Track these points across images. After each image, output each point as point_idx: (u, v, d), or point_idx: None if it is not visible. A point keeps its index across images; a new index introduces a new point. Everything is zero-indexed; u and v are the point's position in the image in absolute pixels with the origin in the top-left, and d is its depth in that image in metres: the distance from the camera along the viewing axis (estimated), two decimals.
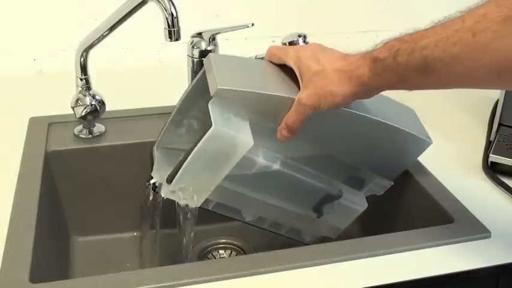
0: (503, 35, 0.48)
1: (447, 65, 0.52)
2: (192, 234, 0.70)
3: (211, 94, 0.60)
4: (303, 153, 0.69)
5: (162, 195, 0.65)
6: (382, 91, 0.60)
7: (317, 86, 0.60)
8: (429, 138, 0.73)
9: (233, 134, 0.59)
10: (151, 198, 0.70)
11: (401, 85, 0.57)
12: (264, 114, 0.63)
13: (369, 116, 0.66)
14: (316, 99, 0.60)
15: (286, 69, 0.65)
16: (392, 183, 0.76)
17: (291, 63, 0.64)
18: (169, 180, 0.63)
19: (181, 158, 0.62)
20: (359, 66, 0.58)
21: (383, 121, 0.67)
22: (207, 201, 0.68)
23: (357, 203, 0.75)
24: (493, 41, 0.49)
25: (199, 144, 0.59)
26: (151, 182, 0.69)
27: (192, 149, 0.60)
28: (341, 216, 0.76)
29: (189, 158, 0.60)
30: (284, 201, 0.73)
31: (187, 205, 0.66)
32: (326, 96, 0.59)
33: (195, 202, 0.65)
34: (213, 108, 0.59)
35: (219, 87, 0.59)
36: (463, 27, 0.51)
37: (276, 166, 0.66)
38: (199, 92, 0.67)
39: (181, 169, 0.61)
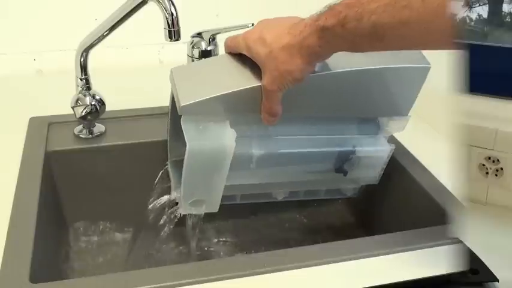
0: None
1: (398, 31, 0.50)
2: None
3: (179, 113, 0.60)
4: (301, 127, 0.68)
5: (181, 211, 0.67)
6: (336, 52, 0.58)
7: (271, 69, 0.59)
8: (427, 62, 0.68)
9: (210, 144, 0.60)
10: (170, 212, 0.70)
11: (353, 49, 0.56)
12: (242, 109, 0.62)
13: (350, 69, 0.64)
14: (276, 82, 0.59)
15: (247, 57, 0.64)
16: (410, 116, 0.73)
17: (244, 53, 0.63)
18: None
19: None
20: (307, 36, 0.56)
21: (368, 68, 0.64)
22: (233, 196, 0.68)
23: (378, 150, 0.74)
24: (442, 5, 0.47)
25: (184, 164, 0.60)
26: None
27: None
28: (368, 166, 0.75)
29: (183, 176, 0.61)
30: (305, 174, 0.72)
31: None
32: (284, 76, 0.58)
33: (212, 208, 0.66)
34: (185, 125, 0.60)
35: (182, 104, 0.59)
36: None
37: (274, 150, 0.66)
38: None
39: (182, 186, 0.62)
